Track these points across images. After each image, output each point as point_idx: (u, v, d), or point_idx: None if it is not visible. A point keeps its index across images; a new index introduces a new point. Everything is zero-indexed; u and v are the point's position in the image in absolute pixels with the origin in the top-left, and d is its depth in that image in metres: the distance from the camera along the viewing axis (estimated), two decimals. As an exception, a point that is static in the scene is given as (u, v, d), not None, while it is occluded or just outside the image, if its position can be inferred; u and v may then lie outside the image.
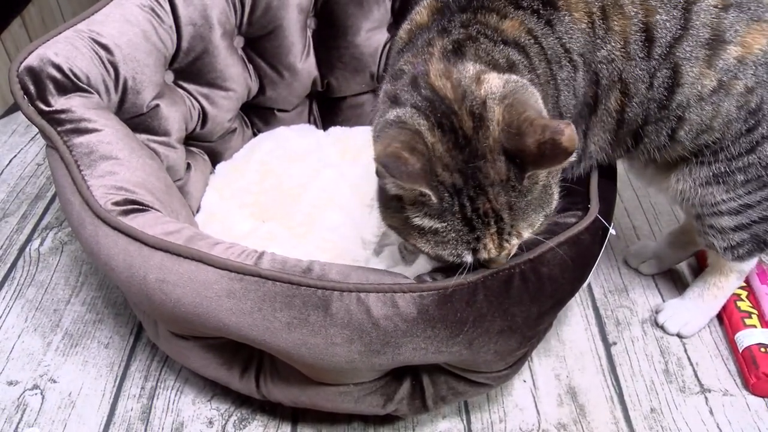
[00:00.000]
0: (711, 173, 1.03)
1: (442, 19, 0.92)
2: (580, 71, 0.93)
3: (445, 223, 0.81)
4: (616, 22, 0.91)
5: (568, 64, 0.92)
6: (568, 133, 0.74)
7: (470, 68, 0.84)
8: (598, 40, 0.92)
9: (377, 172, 0.80)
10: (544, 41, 0.90)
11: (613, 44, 0.92)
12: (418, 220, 0.82)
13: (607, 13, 0.91)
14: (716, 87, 0.94)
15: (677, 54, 0.92)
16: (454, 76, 0.83)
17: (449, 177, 0.79)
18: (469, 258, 0.83)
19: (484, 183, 0.79)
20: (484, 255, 0.83)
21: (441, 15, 0.93)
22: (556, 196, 0.85)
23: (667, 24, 0.91)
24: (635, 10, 0.91)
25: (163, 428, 1.09)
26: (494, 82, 0.82)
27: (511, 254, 0.87)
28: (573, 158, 0.76)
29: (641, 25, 0.91)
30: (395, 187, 0.79)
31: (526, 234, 0.83)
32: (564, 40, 0.91)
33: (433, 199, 0.79)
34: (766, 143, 0.99)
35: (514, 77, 0.83)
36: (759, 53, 0.92)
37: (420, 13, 0.96)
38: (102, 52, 1.14)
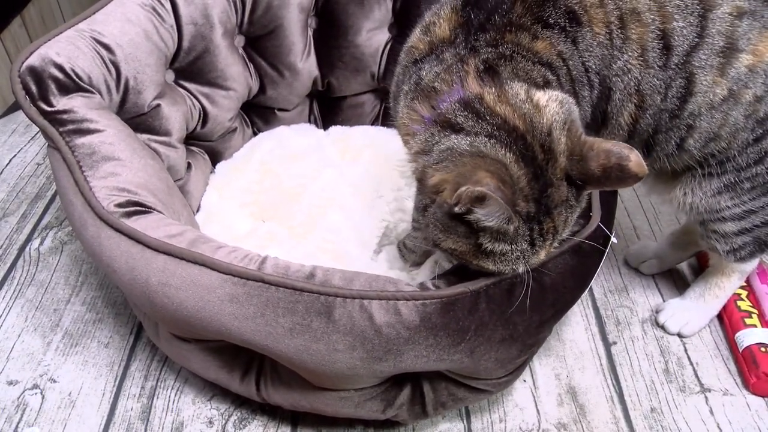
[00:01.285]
0: (722, 184, 1.03)
1: (469, 35, 0.91)
2: (595, 90, 0.93)
3: (515, 245, 0.83)
4: (633, 31, 0.91)
5: (587, 83, 0.93)
6: (635, 159, 0.77)
7: (519, 90, 0.85)
8: (615, 51, 0.91)
9: (438, 203, 0.83)
10: (570, 62, 0.91)
11: (630, 53, 0.92)
12: (489, 245, 0.83)
13: (625, 21, 0.91)
14: (726, 96, 0.94)
15: (693, 63, 0.92)
16: (511, 101, 0.84)
17: (526, 206, 0.81)
18: (521, 269, 0.86)
19: (551, 206, 0.83)
20: (533, 262, 0.87)
21: (465, 31, 0.92)
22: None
23: (684, 31, 0.91)
24: (652, 17, 0.91)
25: (163, 428, 1.09)
26: (552, 106, 0.83)
27: None
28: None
29: (658, 32, 0.91)
30: (488, 218, 0.79)
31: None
32: (585, 59, 0.91)
33: (511, 228, 0.80)
34: None
35: (561, 94, 0.85)
36: None
37: (440, 26, 0.95)
38: (103, 52, 1.13)
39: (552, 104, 0.84)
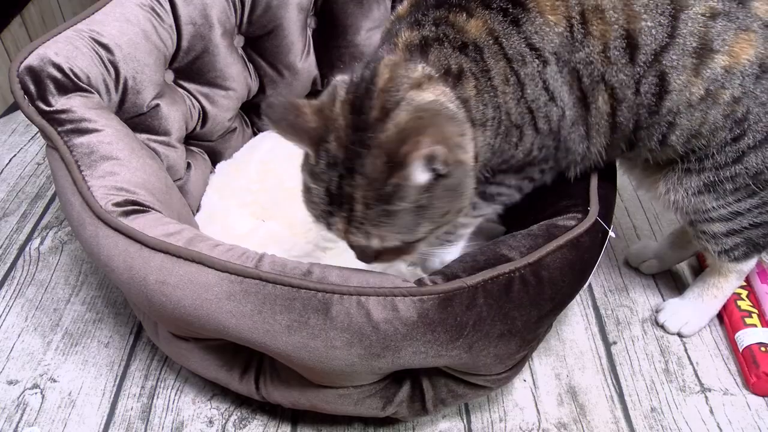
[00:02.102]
0: (702, 182, 1.03)
1: (417, 11, 0.94)
2: (551, 65, 0.93)
3: (316, 186, 0.87)
4: (595, 27, 0.91)
5: (534, 60, 0.92)
6: (423, 152, 0.78)
7: (418, 70, 0.89)
8: (577, 43, 0.92)
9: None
10: (505, 41, 0.92)
11: (591, 47, 0.92)
12: (303, 173, 0.89)
13: (587, 17, 0.91)
14: (704, 95, 0.94)
15: (664, 62, 0.92)
16: (398, 70, 0.88)
17: (335, 149, 0.85)
18: (327, 228, 0.90)
19: (357, 169, 0.83)
20: (335, 233, 0.90)
21: (417, 7, 0.95)
22: (443, 209, 0.87)
23: (653, 31, 0.90)
24: (616, 15, 0.90)
25: (163, 427, 1.09)
26: (427, 95, 0.86)
27: (390, 260, 0.93)
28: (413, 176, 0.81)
29: (622, 32, 0.91)
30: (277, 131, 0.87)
31: (391, 241, 0.88)
32: (533, 39, 0.91)
33: (312, 160, 0.86)
34: (752, 154, 0.98)
35: (447, 104, 0.88)
36: (746, 63, 0.91)
37: (403, 6, 1.00)
38: (102, 52, 1.14)
39: (430, 95, 0.86)
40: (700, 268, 1.34)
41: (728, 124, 0.96)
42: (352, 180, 0.84)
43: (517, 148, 0.98)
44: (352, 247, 0.93)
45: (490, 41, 0.92)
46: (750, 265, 1.16)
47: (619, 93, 0.95)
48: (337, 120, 0.86)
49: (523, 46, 0.92)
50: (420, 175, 0.81)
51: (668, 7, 0.90)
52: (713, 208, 1.05)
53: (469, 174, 0.89)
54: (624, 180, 1.22)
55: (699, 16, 0.90)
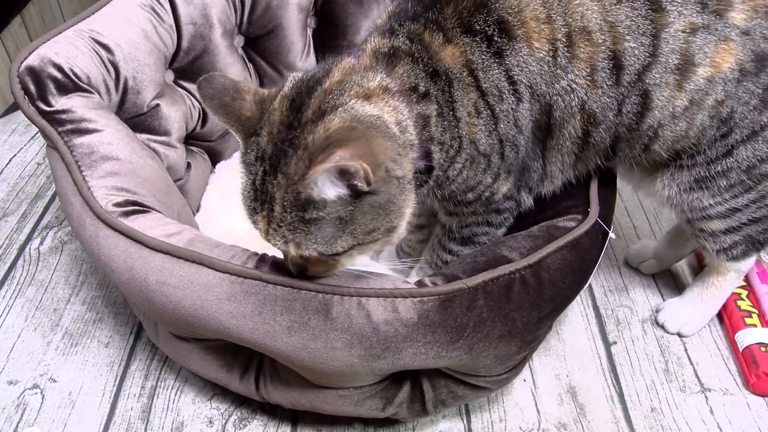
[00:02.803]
0: (693, 178, 1.03)
1: (394, 20, 0.93)
2: (524, 102, 0.92)
3: (245, 178, 0.85)
4: (582, 50, 0.90)
5: (511, 96, 0.91)
6: (320, 168, 0.73)
7: (376, 80, 0.86)
8: (559, 70, 0.91)
9: None
10: (482, 75, 0.90)
11: (577, 72, 0.91)
12: (242, 156, 0.87)
13: (574, 40, 0.90)
14: (688, 105, 0.94)
15: (647, 81, 0.92)
16: (352, 75, 0.86)
17: (266, 142, 0.82)
18: (254, 226, 0.86)
19: (281, 168, 0.80)
20: (259, 233, 0.86)
21: (394, 16, 0.94)
22: (368, 227, 0.82)
23: (636, 51, 0.90)
24: (603, 37, 0.90)
25: (163, 427, 1.09)
26: (370, 109, 0.83)
27: (319, 273, 0.87)
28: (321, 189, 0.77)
29: (609, 53, 0.91)
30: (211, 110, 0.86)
31: (307, 250, 0.81)
32: (513, 72, 0.90)
33: (243, 149, 0.86)
34: (742, 148, 0.98)
35: (389, 123, 0.84)
36: (727, 71, 0.92)
37: (381, 17, 0.99)
38: (102, 52, 1.14)
39: (374, 109, 0.83)
40: (699, 268, 1.35)
41: (715, 123, 0.96)
42: (274, 178, 0.80)
43: (484, 173, 0.97)
44: (286, 254, 0.88)
45: (464, 73, 0.90)
46: (749, 263, 1.16)
47: (599, 116, 0.95)
48: (273, 114, 0.84)
49: (503, 80, 0.91)
50: (327, 189, 0.76)
51: (649, 27, 0.90)
52: (710, 205, 1.05)
53: (402, 193, 0.84)
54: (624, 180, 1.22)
55: (679, 33, 0.90)
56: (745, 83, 0.93)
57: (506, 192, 1.01)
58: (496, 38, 0.89)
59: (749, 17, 0.90)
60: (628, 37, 0.90)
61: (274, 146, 0.81)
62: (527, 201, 1.06)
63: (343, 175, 0.75)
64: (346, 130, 0.79)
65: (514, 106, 0.92)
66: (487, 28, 0.89)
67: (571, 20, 0.89)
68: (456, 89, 0.90)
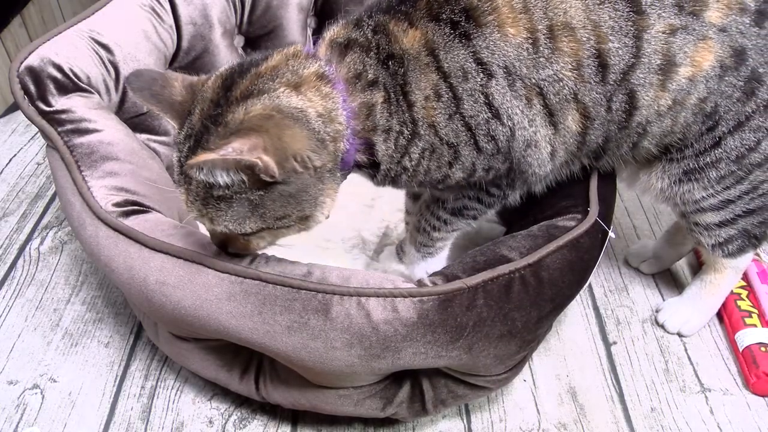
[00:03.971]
0: (682, 170, 1.03)
1: (364, 13, 0.94)
2: (498, 78, 0.91)
3: (175, 156, 0.88)
4: (565, 44, 0.90)
5: (479, 74, 0.90)
6: (203, 158, 0.75)
7: (312, 68, 0.88)
8: (542, 59, 0.90)
9: None
10: (443, 54, 0.90)
11: (563, 64, 0.91)
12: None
13: (555, 33, 0.90)
14: (671, 104, 0.95)
15: (632, 81, 0.93)
16: (290, 61, 0.88)
17: (195, 120, 0.84)
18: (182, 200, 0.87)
19: (203, 144, 0.82)
20: (184, 205, 0.87)
21: (365, 11, 0.95)
22: (277, 213, 0.84)
23: (620, 52, 0.91)
24: (587, 35, 0.90)
25: (163, 427, 1.09)
26: (296, 100, 0.84)
27: (238, 249, 0.90)
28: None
29: (594, 51, 0.91)
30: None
31: (218, 226, 0.84)
32: (483, 54, 0.90)
33: (176, 130, 0.87)
34: (730, 138, 0.99)
35: (312, 116, 0.85)
36: (708, 68, 0.93)
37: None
38: (102, 52, 1.14)
39: (300, 101, 0.84)
40: (698, 267, 1.34)
41: (700, 119, 0.97)
42: (194, 154, 0.82)
43: (452, 167, 0.96)
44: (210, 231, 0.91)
45: (423, 54, 0.90)
46: (746, 260, 1.16)
47: (592, 111, 0.95)
48: (206, 92, 0.86)
49: (469, 60, 0.90)
50: (216, 176, 0.78)
51: (631, 28, 0.90)
52: (702, 197, 1.05)
53: (318, 183, 0.86)
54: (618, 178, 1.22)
55: (660, 34, 0.91)
56: (726, 78, 0.94)
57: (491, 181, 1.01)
58: (463, 24, 0.89)
59: (724, 14, 0.91)
60: (611, 37, 0.90)
61: (201, 123, 0.83)
62: (513, 197, 1.06)
63: (238, 165, 0.76)
64: (262, 118, 0.81)
65: (483, 82, 0.91)
66: (453, 16, 0.89)
67: (552, 14, 0.90)
68: (411, 71, 0.90)
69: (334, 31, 0.93)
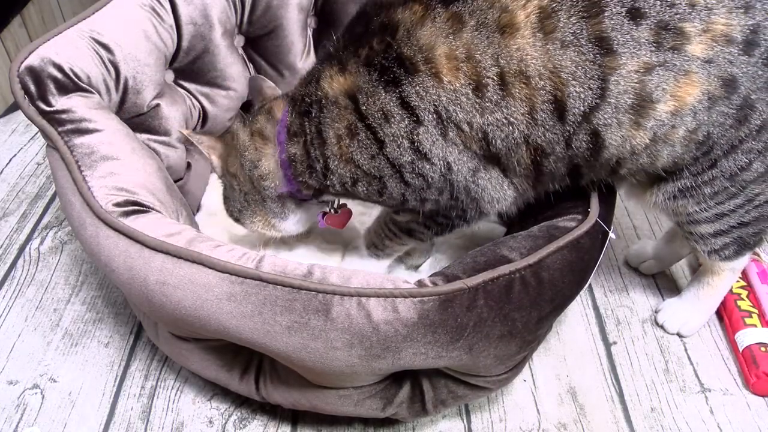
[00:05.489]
0: (677, 188, 1.01)
1: (317, 61, 1.07)
2: (426, 125, 0.93)
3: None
4: (518, 90, 0.89)
5: (404, 119, 0.93)
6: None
7: (258, 125, 1.12)
8: (488, 103, 0.90)
9: None
10: (363, 98, 0.95)
11: (514, 109, 0.90)
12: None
13: (507, 80, 0.89)
14: (650, 142, 0.93)
15: (594, 121, 0.91)
16: (260, 115, 1.12)
17: None
18: None
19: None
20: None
21: (318, 57, 1.09)
22: (256, 219, 1.20)
23: (582, 95, 0.89)
24: (543, 82, 0.89)
25: (163, 427, 1.09)
26: (248, 143, 1.12)
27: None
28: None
29: (550, 96, 0.89)
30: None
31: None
32: (411, 99, 0.92)
33: None
34: (724, 160, 0.96)
35: (246, 160, 1.12)
36: (694, 102, 0.89)
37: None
38: (103, 52, 1.14)
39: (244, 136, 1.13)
40: (698, 267, 1.34)
41: (693, 147, 0.95)
42: None
43: (381, 195, 1.03)
44: None
45: (341, 98, 0.97)
46: (743, 262, 1.16)
47: (546, 149, 0.94)
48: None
49: (392, 104, 0.93)
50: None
51: (597, 72, 0.88)
52: (696, 211, 1.04)
53: (236, 191, 1.17)
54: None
55: (632, 73, 0.87)
56: (717, 108, 0.90)
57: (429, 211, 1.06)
58: (394, 70, 0.92)
59: (708, 47, 0.87)
60: (573, 82, 0.88)
61: None
62: (467, 226, 1.09)
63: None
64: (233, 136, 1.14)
65: (409, 129, 0.94)
66: (384, 62, 0.93)
67: (505, 62, 0.88)
68: (326, 113, 0.98)
69: (294, 88, 1.08)
